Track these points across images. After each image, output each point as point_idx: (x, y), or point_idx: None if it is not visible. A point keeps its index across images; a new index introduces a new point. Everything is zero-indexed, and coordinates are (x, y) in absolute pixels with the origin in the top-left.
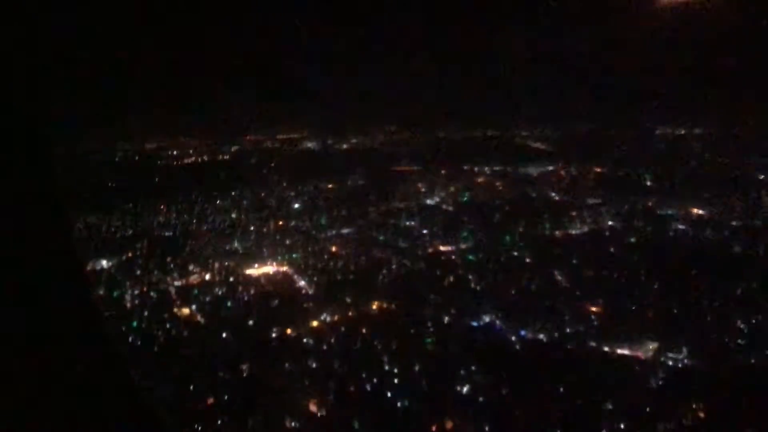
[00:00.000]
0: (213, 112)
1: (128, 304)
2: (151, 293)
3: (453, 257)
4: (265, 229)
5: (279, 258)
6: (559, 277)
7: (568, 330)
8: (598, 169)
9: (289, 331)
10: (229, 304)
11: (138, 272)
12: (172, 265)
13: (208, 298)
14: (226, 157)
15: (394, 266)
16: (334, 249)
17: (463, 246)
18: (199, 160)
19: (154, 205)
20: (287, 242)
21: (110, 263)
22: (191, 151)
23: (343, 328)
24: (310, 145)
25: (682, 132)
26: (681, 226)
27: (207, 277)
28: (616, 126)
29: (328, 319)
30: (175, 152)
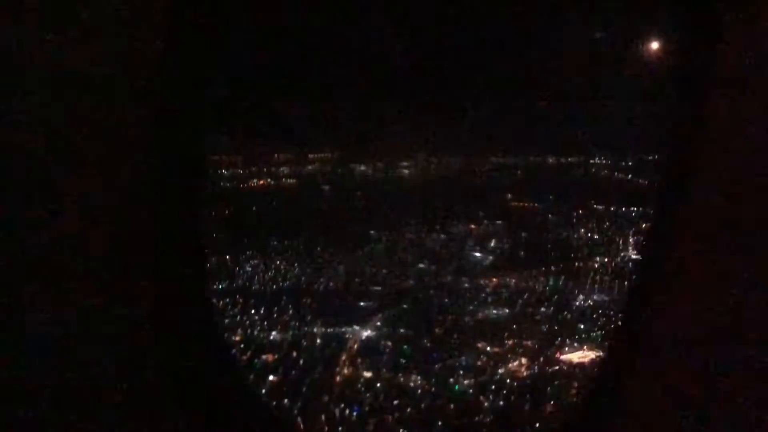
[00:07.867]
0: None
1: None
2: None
3: None
4: (504, 294)
5: (576, 337)
6: None
7: None
8: None
9: None
10: None
11: (424, 353)
12: (452, 344)
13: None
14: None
15: None
16: None
17: None
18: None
19: (322, 245)
20: (544, 311)
21: (366, 333)
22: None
23: None
24: (405, 170)
25: None
26: None
27: (522, 361)
28: None
29: None
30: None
